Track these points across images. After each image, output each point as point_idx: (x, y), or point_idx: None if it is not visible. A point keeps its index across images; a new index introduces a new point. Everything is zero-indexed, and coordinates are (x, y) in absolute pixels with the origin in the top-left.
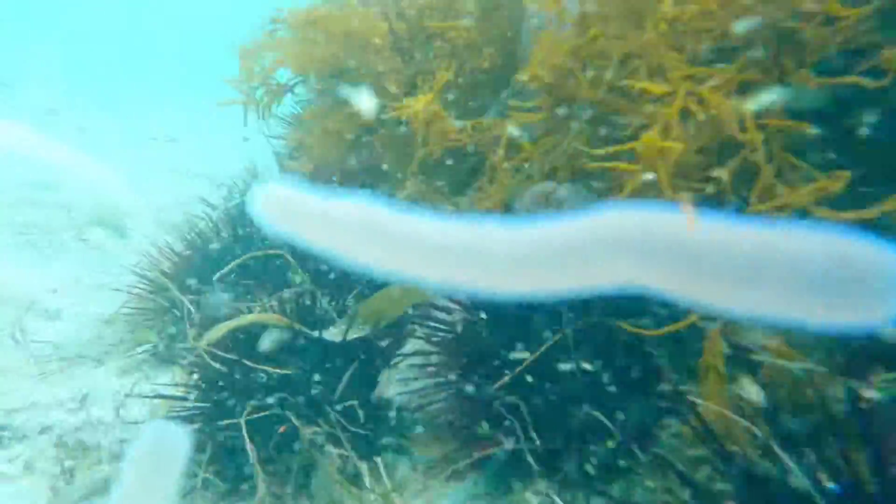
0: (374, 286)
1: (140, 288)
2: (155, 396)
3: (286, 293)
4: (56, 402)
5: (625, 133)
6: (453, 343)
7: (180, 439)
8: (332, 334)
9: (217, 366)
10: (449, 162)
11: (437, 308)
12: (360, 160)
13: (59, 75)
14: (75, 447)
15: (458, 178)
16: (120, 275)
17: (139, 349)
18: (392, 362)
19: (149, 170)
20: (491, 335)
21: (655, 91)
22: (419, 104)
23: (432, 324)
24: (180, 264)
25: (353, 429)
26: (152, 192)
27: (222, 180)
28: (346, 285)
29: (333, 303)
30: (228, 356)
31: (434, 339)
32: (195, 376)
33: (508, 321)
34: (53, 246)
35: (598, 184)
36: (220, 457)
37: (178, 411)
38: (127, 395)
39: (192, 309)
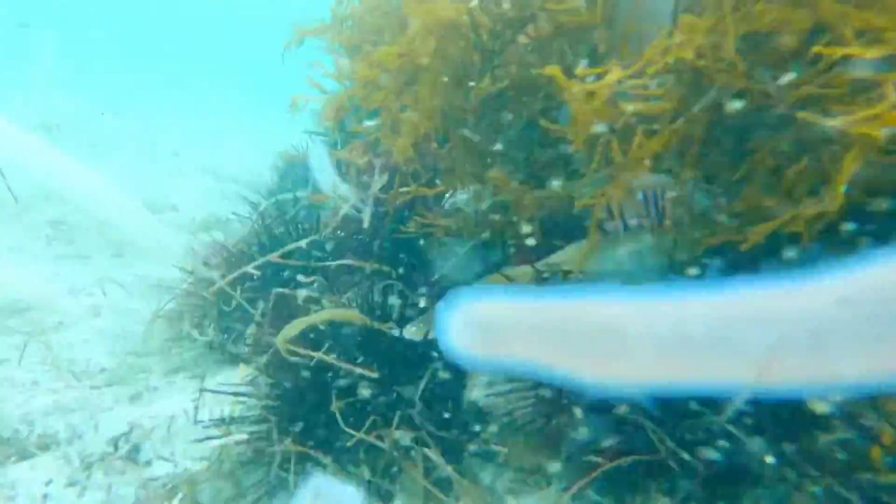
0: (451, 281)
1: (188, 284)
2: (233, 394)
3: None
4: (111, 408)
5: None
6: None
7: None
8: (412, 332)
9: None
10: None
11: None
12: (423, 158)
13: (58, 74)
14: (142, 463)
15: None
16: (161, 272)
17: (191, 347)
18: None
19: (153, 171)
20: None
21: (870, 55)
22: (611, 78)
23: None
24: (230, 260)
25: (437, 433)
26: (167, 192)
27: (226, 178)
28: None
29: (406, 297)
30: (309, 353)
31: None
32: (268, 377)
33: None
34: (83, 245)
35: (728, 176)
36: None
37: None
38: (202, 394)
39: (247, 307)
